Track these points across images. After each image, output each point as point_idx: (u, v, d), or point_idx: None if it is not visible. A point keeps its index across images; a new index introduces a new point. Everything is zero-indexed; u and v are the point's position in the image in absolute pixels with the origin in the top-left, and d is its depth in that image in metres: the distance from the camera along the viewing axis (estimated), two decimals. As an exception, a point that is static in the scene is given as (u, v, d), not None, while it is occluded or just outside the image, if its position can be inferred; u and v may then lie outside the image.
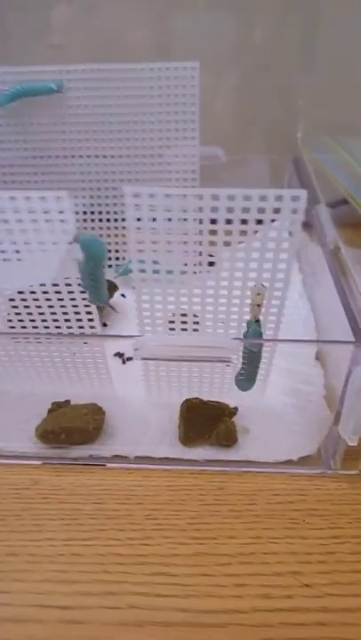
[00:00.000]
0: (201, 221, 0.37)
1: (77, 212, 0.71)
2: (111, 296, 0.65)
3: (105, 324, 0.65)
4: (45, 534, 0.45)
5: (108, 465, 0.50)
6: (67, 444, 0.50)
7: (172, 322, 0.46)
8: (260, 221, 0.38)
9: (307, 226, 0.65)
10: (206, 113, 0.67)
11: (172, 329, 0.46)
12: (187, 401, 0.51)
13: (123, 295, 0.68)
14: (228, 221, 0.37)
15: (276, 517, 0.46)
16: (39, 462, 0.51)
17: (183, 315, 0.45)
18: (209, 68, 0.73)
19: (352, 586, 0.41)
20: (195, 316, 0.45)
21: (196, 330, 0.46)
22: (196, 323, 0.45)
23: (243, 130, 0.80)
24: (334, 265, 0.50)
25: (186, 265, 0.40)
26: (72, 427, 0.50)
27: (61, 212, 0.38)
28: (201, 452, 0.50)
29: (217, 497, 0.48)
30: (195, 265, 0.40)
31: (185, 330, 0.46)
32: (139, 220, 0.38)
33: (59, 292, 0.44)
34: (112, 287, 0.66)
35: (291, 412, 0.52)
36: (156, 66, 0.64)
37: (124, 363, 0.59)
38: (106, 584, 0.42)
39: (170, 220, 0.37)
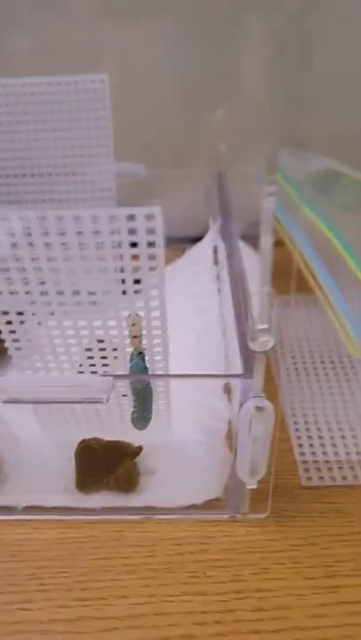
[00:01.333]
0: (50, 246, 0.33)
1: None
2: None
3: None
4: None
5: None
6: None
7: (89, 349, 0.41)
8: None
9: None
10: (127, 127, 0.63)
11: (90, 357, 0.41)
12: (82, 442, 0.46)
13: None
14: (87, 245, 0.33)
15: (174, 571, 0.41)
16: None
17: (100, 341, 0.41)
18: (131, 79, 0.70)
19: (249, 651, 0.37)
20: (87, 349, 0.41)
21: (106, 365, 0.41)
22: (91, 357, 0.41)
23: (167, 144, 0.76)
24: (237, 288, 0.46)
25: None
26: None
27: None
28: (98, 499, 0.46)
29: (112, 549, 0.43)
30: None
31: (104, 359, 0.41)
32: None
33: None
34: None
35: (199, 450, 0.48)
36: (64, 80, 0.60)
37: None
38: (-29, 659, 0.37)
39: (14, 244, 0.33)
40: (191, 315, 0.60)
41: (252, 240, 0.58)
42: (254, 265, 0.49)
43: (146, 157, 0.69)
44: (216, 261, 0.69)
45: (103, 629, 0.38)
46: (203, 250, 0.70)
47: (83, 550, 0.43)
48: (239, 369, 0.39)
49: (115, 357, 0.40)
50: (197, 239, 0.74)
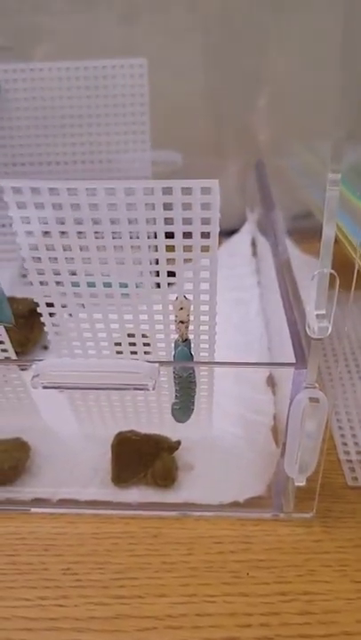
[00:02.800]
0: (99, 221, 0.31)
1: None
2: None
3: (46, 347, 0.59)
4: None
5: (32, 510, 0.44)
6: (-20, 486, 0.44)
7: (119, 344, 0.40)
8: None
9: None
10: (165, 115, 0.61)
11: (119, 352, 0.40)
12: (119, 434, 0.45)
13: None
14: (131, 221, 0.31)
15: (215, 570, 0.39)
16: None
17: (131, 335, 0.39)
18: (168, 68, 0.68)
19: (298, 656, 0.35)
20: (130, 335, 0.39)
21: (147, 352, 0.39)
22: (133, 344, 0.39)
23: (206, 133, 0.74)
24: (283, 278, 0.44)
25: (91, 275, 0.34)
26: (-16, 466, 0.43)
27: None
28: (135, 494, 0.44)
29: (149, 546, 0.41)
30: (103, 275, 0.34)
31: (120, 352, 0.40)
32: (27, 222, 0.32)
33: None
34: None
35: (240, 445, 0.46)
36: (101, 64, 0.59)
37: (62, 391, 0.53)
38: (5, 656, 0.35)
39: (62, 220, 0.31)
40: (229, 308, 0.58)
41: (294, 234, 0.56)
42: (300, 263, 0.47)
43: (181, 147, 0.67)
44: (255, 254, 0.67)
45: (142, 629, 0.36)
46: (240, 242, 0.68)
47: (118, 546, 0.41)
48: (288, 359, 0.37)
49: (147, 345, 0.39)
50: (233, 232, 0.71)
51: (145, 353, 0.39)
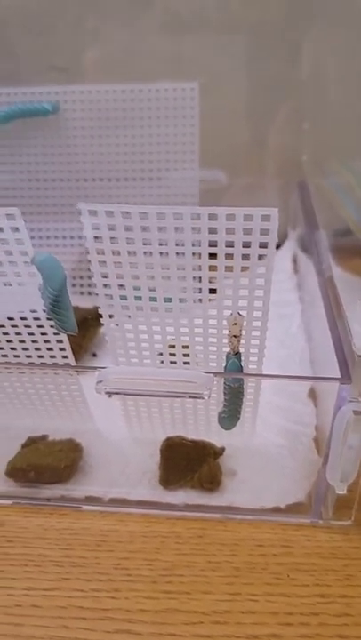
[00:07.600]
0: (166, 243, 0.34)
1: (73, 237, 0.69)
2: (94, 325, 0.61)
3: (95, 355, 0.62)
4: (4, 582, 0.42)
5: (84, 507, 0.47)
6: (37, 483, 0.47)
7: (162, 354, 0.42)
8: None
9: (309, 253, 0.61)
10: (211, 135, 0.64)
11: (162, 362, 0.43)
12: (168, 439, 0.47)
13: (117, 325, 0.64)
14: (195, 244, 0.34)
15: (257, 571, 0.42)
16: (9, 502, 0.47)
17: (172, 346, 0.42)
18: (214, 90, 0.71)
19: (336, 654, 0.37)
20: (184, 347, 0.42)
21: (186, 362, 0.42)
22: (187, 355, 0.42)
23: (249, 153, 0.77)
24: (327, 295, 0.46)
25: (154, 290, 0.37)
26: (42, 464, 0.46)
27: (16, 231, 0.36)
28: (182, 496, 0.46)
29: (195, 546, 0.44)
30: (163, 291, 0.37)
31: (174, 362, 0.42)
32: (98, 239, 0.35)
33: (24, 319, 0.41)
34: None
35: (282, 454, 0.48)
36: (155, 87, 0.62)
37: (110, 396, 0.56)
38: (62, 641, 0.38)
39: (132, 241, 0.34)
40: (271, 322, 0.60)
41: (333, 251, 0.59)
42: (341, 280, 0.50)
43: (228, 165, 0.70)
44: (296, 270, 0.69)
45: (189, 622, 0.39)
46: (282, 258, 0.71)
47: (166, 545, 0.44)
48: (332, 373, 0.40)
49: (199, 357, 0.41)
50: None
51: (196, 364, 0.42)
